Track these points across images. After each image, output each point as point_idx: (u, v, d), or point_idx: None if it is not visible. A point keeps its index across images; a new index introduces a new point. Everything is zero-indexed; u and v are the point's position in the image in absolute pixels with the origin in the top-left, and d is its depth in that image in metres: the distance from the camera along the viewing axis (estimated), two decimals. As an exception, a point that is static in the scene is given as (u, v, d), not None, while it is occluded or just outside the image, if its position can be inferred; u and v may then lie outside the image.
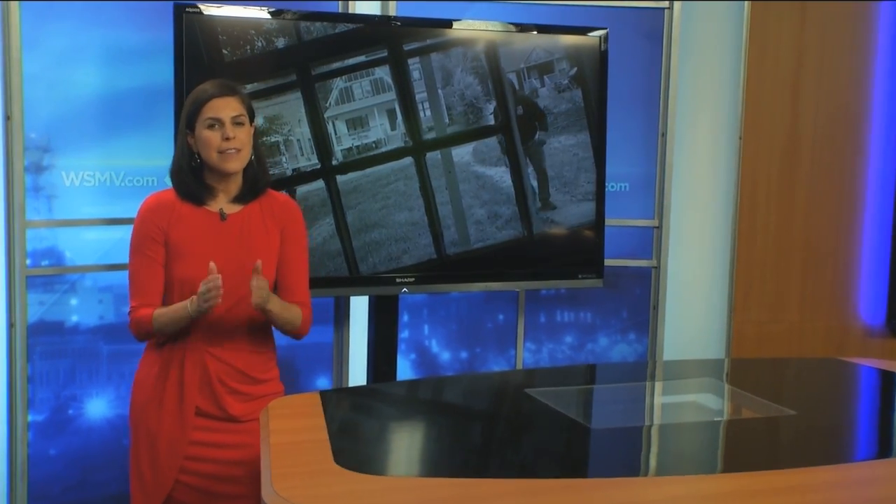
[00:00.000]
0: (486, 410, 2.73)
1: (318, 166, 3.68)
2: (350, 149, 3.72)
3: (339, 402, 2.66)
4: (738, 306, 4.55)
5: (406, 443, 2.37)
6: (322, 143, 3.67)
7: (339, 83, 3.68)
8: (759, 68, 4.46)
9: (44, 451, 3.81)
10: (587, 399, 2.79)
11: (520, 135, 3.94)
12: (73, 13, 3.70)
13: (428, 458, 2.28)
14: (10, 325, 3.68)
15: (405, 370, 4.41)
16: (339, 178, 3.70)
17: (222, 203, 2.87)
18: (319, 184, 3.68)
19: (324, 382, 4.30)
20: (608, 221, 4.34)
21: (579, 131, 4.04)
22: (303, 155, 3.65)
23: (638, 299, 4.59)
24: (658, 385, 2.94)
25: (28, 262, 3.70)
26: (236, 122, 2.80)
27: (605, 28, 4.06)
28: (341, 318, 4.22)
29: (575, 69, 4.02)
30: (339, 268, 3.73)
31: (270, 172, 3.54)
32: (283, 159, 3.63)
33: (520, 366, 4.49)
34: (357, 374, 4.24)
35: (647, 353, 4.59)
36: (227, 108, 2.79)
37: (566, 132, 4.02)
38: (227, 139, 2.77)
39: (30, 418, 3.76)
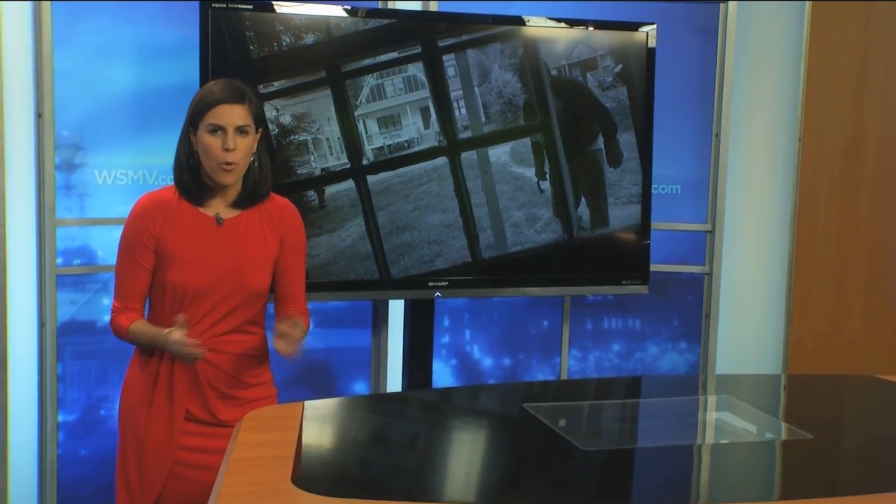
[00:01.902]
0: (478, 428, 2.56)
1: (348, 166, 3.57)
2: (381, 148, 3.61)
3: (321, 414, 2.52)
4: (796, 316, 4.32)
5: (378, 463, 2.22)
6: (352, 142, 3.57)
7: (369, 80, 3.57)
8: (820, 66, 4.23)
9: (75, 452, 3.79)
10: (591, 416, 2.61)
11: (564, 140, 3.79)
12: (106, 10, 3.66)
13: (396, 482, 2.11)
14: (41, 325, 3.66)
15: (445, 376, 4.30)
16: (370, 179, 3.60)
17: (220, 206, 2.78)
18: (349, 184, 3.58)
19: (361, 387, 4.21)
20: (658, 225, 4.18)
21: (624, 131, 3.87)
22: (332, 154, 3.56)
23: (689, 307, 4.40)
24: (670, 402, 2.75)
25: (59, 260, 3.68)
26: (240, 132, 2.70)
27: (654, 23, 3.89)
28: (379, 321, 4.12)
29: (620, 66, 3.85)
30: (370, 271, 3.62)
31: (298, 172, 3.50)
32: (312, 158, 3.54)
33: (564, 374, 4.33)
34: (396, 379, 4.14)
35: (698, 363, 4.39)
36: (232, 115, 2.69)
37: (610, 132, 3.86)
38: (227, 150, 2.67)
39: (60, 418, 3.74)
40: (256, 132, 2.75)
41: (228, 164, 2.68)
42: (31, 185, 3.63)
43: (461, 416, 2.62)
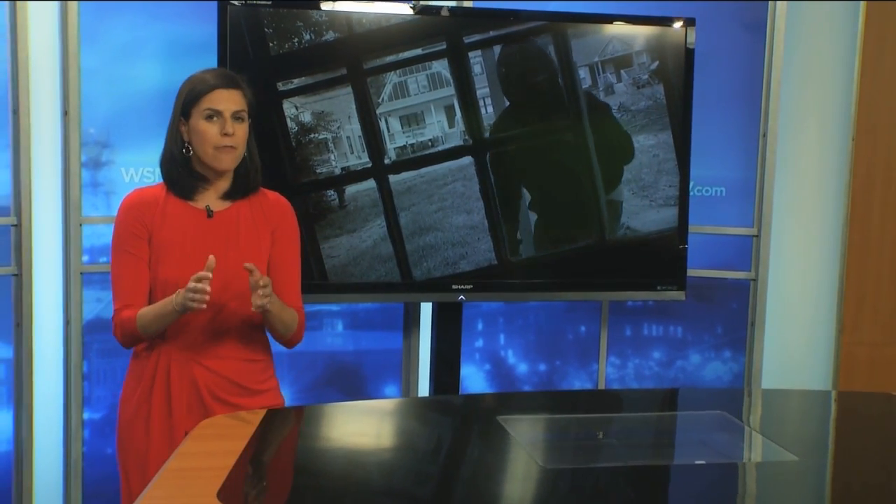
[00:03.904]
0: (438, 442, 2.39)
1: (369, 165, 3.49)
2: (404, 147, 3.52)
3: (279, 423, 2.39)
4: (847, 326, 4.10)
5: (315, 476, 2.09)
6: (373, 140, 3.49)
7: (392, 77, 3.49)
8: (874, 64, 4.01)
9: (100, 450, 3.78)
10: (565, 432, 2.46)
11: (595, 139, 3.65)
12: (133, 8, 3.65)
13: (322, 497, 1.99)
14: (66, 323, 3.66)
15: (478, 382, 4.19)
16: (392, 178, 3.51)
17: (211, 199, 2.70)
18: (370, 183, 3.50)
19: (392, 391, 4.13)
20: (702, 229, 4.03)
21: (660, 130, 3.72)
22: (353, 153, 3.48)
23: (734, 314, 4.22)
24: (656, 418, 2.58)
25: (85, 258, 3.67)
26: (236, 118, 2.64)
27: (693, 18, 3.72)
28: (410, 324, 4.03)
29: (656, 63, 3.70)
30: (391, 272, 3.53)
31: (318, 171, 3.44)
32: (332, 157, 3.47)
33: (602, 382, 4.19)
34: (427, 383, 4.05)
35: (743, 373, 4.20)
36: (229, 101, 2.62)
37: (645, 131, 3.70)
38: (226, 134, 2.61)
39: (86, 416, 3.73)
40: (248, 120, 2.69)
41: (227, 146, 2.61)
42: (57, 183, 3.64)
43: (424, 428, 2.46)
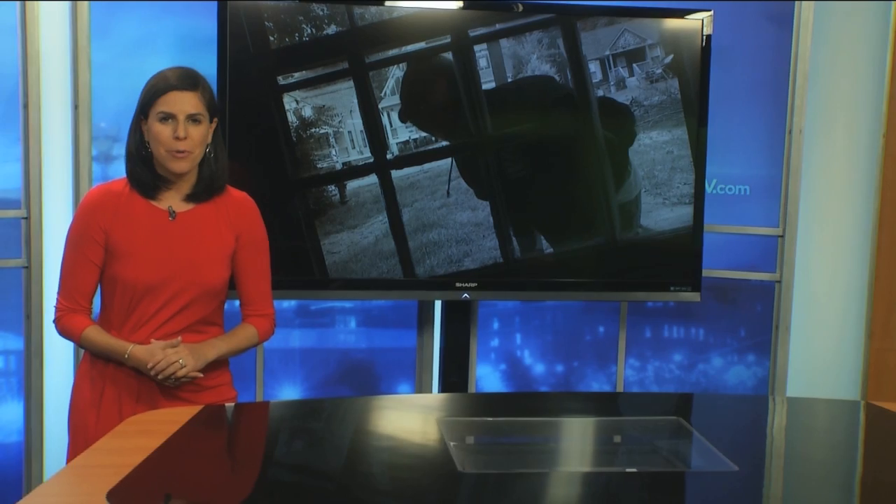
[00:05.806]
0: (358, 443, 2.29)
1: (371, 160, 3.45)
2: (406, 142, 3.47)
3: (205, 421, 2.32)
4: (876, 330, 3.93)
5: (217, 476, 2.04)
6: (376, 135, 3.44)
7: (395, 72, 3.43)
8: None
9: (110, 442, 3.80)
10: (501, 434, 2.37)
11: (606, 134, 3.56)
12: (144, 3, 3.66)
13: (215, 499, 1.93)
14: (76, 315, 3.68)
15: (493, 382, 4.13)
16: (394, 174, 3.46)
17: (174, 199, 2.68)
18: (372, 179, 3.45)
19: (406, 389, 4.09)
20: (725, 228, 3.92)
21: (675, 126, 3.60)
22: (354, 148, 3.44)
23: (759, 317, 4.08)
24: (606, 423, 2.46)
25: (95, 252, 3.69)
26: (192, 120, 2.60)
27: (710, 10, 3.60)
28: (424, 322, 3.97)
29: (671, 56, 3.58)
30: (393, 269, 3.48)
31: (319, 166, 3.41)
32: (333, 152, 3.43)
33: (620, 384, 4.09)
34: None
35: (768, 377, 4.06)
36: (184, 103, 2.59)
37: (658, 127, 3.59)
38: (178, 138, 2.58)
39: (96, 409, 3.76)
40: (211, 122, 2.66)
41: (180, 151, 2.59)
42: (67, 176, 3.67)
43: (353, 429, 2.37)
